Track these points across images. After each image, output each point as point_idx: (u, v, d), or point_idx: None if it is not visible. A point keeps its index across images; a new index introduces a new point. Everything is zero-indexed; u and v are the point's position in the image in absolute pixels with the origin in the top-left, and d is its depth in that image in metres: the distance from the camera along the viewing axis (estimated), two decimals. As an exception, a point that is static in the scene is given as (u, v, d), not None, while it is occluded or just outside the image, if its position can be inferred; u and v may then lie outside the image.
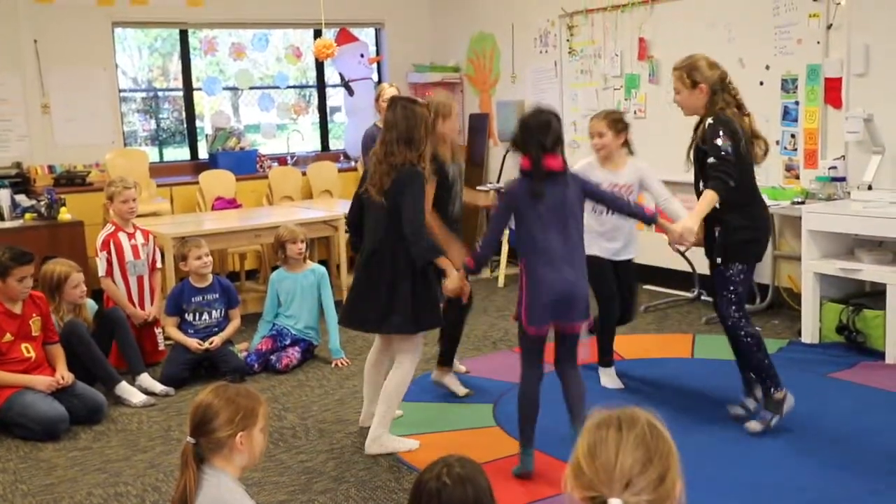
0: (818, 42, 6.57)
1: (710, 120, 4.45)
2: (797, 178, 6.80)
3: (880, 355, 5.70)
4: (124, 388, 5.47)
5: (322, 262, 7.56)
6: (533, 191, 4.02)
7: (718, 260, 4.56)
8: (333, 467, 4.46)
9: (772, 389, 4.46)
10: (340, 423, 5.05)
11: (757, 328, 4.64)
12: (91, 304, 5.98)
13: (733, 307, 4.53)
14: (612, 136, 5.36)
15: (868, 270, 5.80)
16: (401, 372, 4.64)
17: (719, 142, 4.35)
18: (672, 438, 1.85)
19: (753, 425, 4.51)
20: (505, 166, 9.24)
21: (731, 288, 4.52)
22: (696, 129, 4.65)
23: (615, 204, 4.46)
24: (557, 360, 4.30)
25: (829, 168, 6.48)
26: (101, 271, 6.15)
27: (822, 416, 4.76)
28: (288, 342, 6.13)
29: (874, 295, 5.87)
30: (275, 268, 6.50)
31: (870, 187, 6.07)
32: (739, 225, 4.47)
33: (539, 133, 4.03)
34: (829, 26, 6.46)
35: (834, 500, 3.92)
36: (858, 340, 5.89)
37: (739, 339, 4.53)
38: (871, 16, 6.19)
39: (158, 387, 5.58)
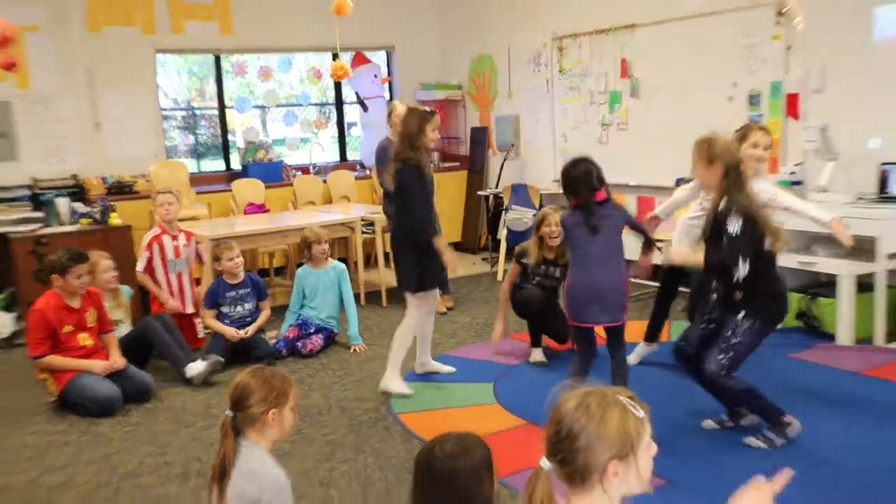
0: (780, 61, 6.62)
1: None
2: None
3: (832, 338, 5.77)
4: (190, 367, 5.55)
5: (341, 260, 7.65)
6: (589, 224, 4.30)
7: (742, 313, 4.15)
8: (353, 440, 4.51)
9: (781, 417, 4.20)
10: (359, 401, 5.11)
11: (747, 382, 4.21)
12: (126, 290, 6.08)
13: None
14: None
15: (822, 263, 5.84)
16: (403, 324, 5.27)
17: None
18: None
19: (754, 441, 4.20)
20: (503, 172, 9.33)
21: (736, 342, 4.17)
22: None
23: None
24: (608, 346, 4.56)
25: (790, 173, 6.47)
26: (140, 267, 6.26)
27: (785, 391, 4.75)
28: (312, 330, 6.21)
29: (828, 285, 5.91)
30: (300, 265, 6.56)
31: (825, 190, 6.11)
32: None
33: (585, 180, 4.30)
34: (789, 47, 6.51)
35: (802, 464, 3.96)
36: (814, 325, 5.96)
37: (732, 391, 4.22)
38: (826, 38, 6.23)
39: (202, 366, 5.55)
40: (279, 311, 6.61)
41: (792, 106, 6.58)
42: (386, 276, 7.47)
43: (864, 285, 5.73)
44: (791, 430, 4.21)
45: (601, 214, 4.31)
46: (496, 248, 8.68)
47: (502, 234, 8.51)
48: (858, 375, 5.16)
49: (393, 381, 5.24)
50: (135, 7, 8.68)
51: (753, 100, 6.86)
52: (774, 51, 6.64)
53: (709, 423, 4.44)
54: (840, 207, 5.82)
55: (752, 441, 4.20)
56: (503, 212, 8.68)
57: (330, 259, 6.48)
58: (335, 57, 7.36)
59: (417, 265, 5.10)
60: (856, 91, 6.14)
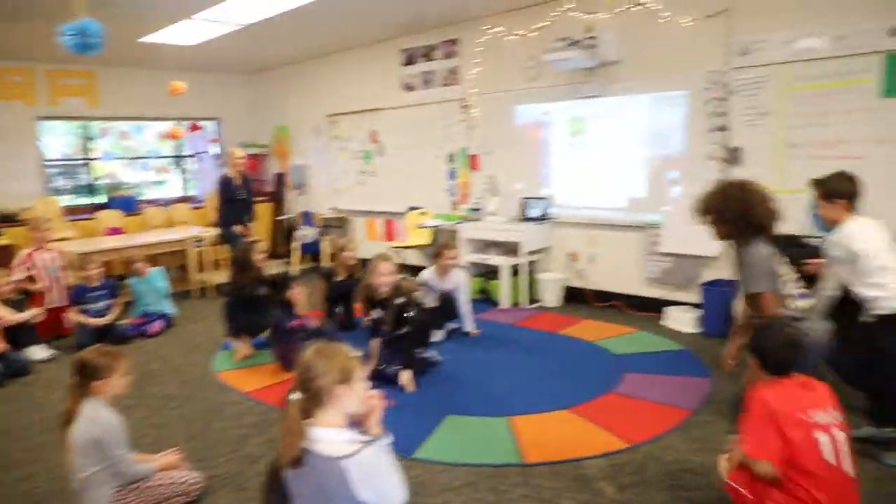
0: (465, 135, 6.90)
1: None
2: (456, 208, 7.08)
3: (498, 303, 6.09)
4: (31, 351, 5.06)
5: (180, 266, 7.24)
6: None
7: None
8: (184, 393, 4.29)
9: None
10: (190, 365, 4.85)
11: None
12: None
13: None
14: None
15: (492, 259, 6.15)
16: None
17: None
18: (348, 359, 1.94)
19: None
20: (296, 203, 9.19)
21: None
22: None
23: None
24: None
25: (473, 203, 6.81)
26: (17, 277, 5.49)
27: (484, 336, 5.10)
28: (154, 318, 5.79)
29: (495, 271, 6.18)
30: (124, 277, 6.01)
31: (494, 214, 6.45)
32: None
33: None
34: (470, 127, 6.81)
35: (463, 374, 4.20)
36: (489, 297, 6.26)
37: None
38: (490, 122, 6.57)
39: (40, 354, 5.10)
40: (130, 306, 6.04)
41: (473, 162, 6.88)
42: (212, 277, 7.14)
43: (515, 271, 6.11)
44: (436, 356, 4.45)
45: None
46: (290, 255, 8.54)
47: (295, 245, 8.39)
48: (512, 326, 5.46)
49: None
50: (18, 85, 7.76)
51: (451, 158, 7.11)
52: (462, 128, 6.93)
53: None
54: (501, 224, 6.23)
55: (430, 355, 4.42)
56: (296, 230, 8.56)
57: (149, 269, 5.99)
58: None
59: None
60: (507, 155, 6.52)
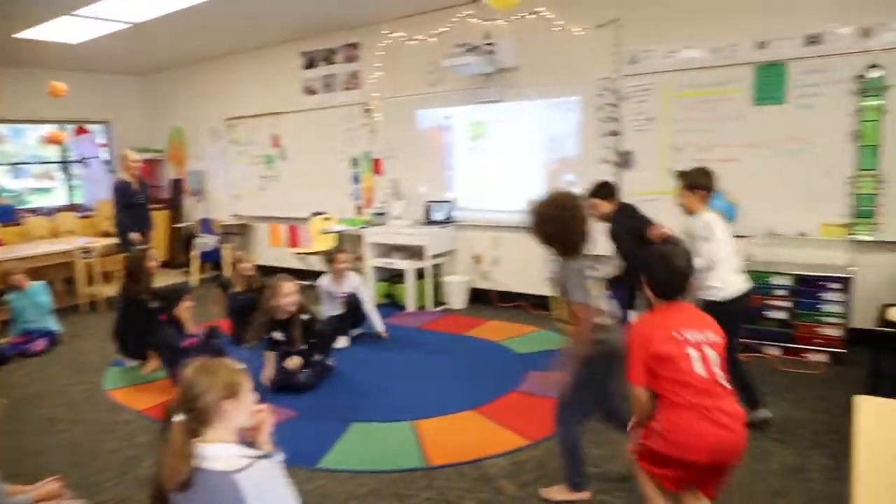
0: (367, 139, 6.86)
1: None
2: (360, 212, 7.06)
3: (404, 307, 6.10)
4: None
5: (67, 280, 6.77)
6: None
7: None
8: (69, 414, 4.01)
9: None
10: (77, 385, 4.53)
11: None
12: None
13: None
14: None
15: (397, 263, 6.15)
16: None
17: None
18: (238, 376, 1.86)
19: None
20: (194, 210, 8.82)
21: None
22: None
23: None
24: None
25: (377, 207, 6.79)
26: None
27: (381, 341, 5.07)
28: (37, 336, 5.36)
29: (401, 275, 6.20)
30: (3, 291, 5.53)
31: (398, 218, 6.42)
32: None
33: None
34: (373, 131, 6.79)
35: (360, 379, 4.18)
36: (395, 301, 6.25)
37: None
38: (393, 127, 6.55)
39: None
40: (11, 322, 5.55)
41: (377, 166, 6.85)
42: (102, 290, 6.72)
43: (420, 274, 6.13)
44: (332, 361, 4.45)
45: None
46: (189, 264, 8.19)
47: (194, 254, 8.03)
48: (418, 329, 5.47)
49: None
50: None
51: (354, 162, 7.06)
52: (364, 133, 6.89)
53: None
54: (406, 228, 6.21)
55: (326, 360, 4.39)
56: (194, 238, 8.21)
57: (29, 283, 5.52)
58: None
59: None
60: (410, 159, 6.55)
